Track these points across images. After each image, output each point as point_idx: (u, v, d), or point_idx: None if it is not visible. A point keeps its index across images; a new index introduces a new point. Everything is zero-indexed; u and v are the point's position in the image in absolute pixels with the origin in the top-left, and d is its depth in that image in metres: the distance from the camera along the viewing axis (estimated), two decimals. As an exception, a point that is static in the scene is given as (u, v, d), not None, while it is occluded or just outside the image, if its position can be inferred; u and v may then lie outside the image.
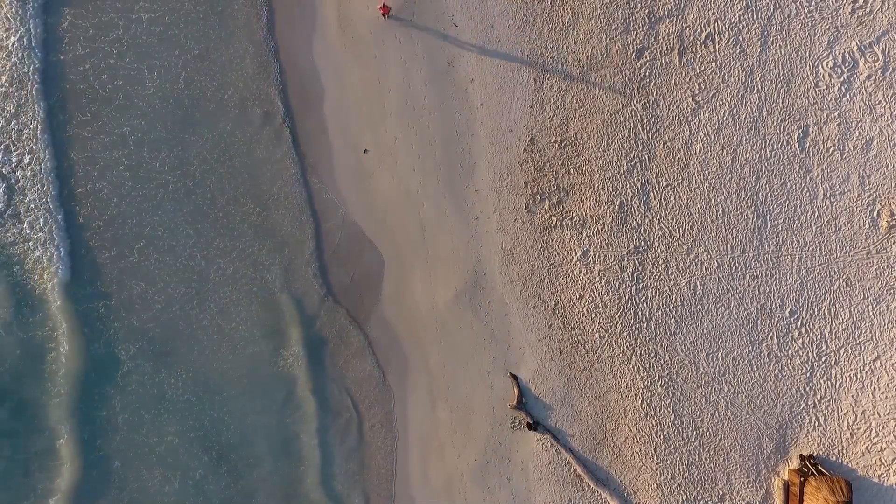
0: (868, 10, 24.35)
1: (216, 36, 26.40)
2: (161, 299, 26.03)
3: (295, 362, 26.52)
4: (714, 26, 24.77)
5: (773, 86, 24.71)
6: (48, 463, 25.67)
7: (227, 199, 26.33)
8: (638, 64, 25.05)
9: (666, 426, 25.11)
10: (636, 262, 25.10)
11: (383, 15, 25.61)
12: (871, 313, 24.54)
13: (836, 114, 24.55)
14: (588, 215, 25.29)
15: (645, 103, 25.03)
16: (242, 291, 26.38)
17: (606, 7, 25.10)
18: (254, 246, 26.39)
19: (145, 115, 26.09)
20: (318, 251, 26.47)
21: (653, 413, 25.15)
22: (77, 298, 25.68)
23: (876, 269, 24.50)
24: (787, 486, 24.28)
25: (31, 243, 25.63)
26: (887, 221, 24.34)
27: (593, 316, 25.33)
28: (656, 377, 25.13)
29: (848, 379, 24.61)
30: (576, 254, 25.37)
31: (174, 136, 26.20)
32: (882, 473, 24.22)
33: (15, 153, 25.68)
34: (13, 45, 25.62)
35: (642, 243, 25.11)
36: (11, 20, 25.65)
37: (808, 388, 24.72)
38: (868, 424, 24.46)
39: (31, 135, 25.65)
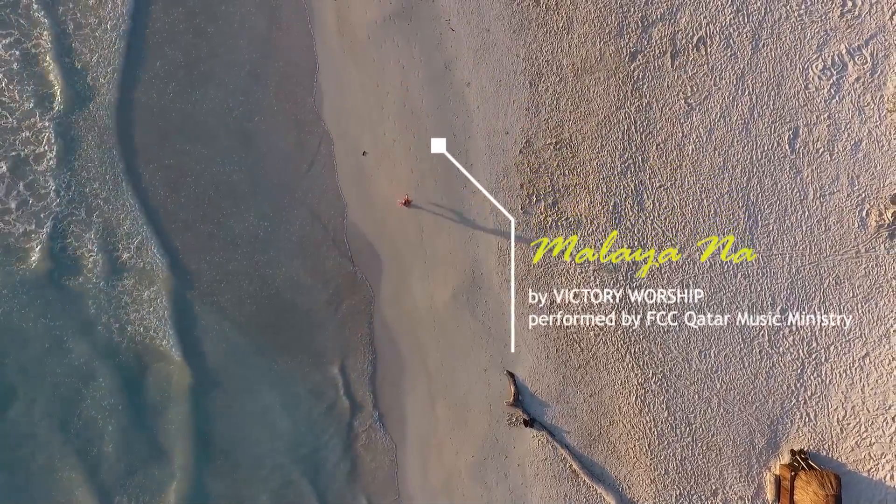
0: (856, 13, 24.79)
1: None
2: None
3: (304, 360, 27.09)
4: (706, 30, 25.20)
5: (764, 88, 25.14)
6: (159, 472, 26.91)
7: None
8: (631, 67, 25.48)
9: (660, 422, 25.58)
10: (630, 261, 25.55)
11: (404, 205, 26.16)
12: (860, 311, 24.99)
13: (825, 115, 24.99)
14: (583, 216, 25.73)
15: (638, 106, 25.47)
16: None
17: (600, 11, 25.53)
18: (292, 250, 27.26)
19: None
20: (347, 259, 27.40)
21: (647, 410, 25.62)
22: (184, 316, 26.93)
23: (864, 268, 24.96)
24: (778, 481, 24.77)
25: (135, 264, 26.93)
26: (876, 221, 24.80)
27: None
28: (650, 374, 25.60)
29: (838, 375, 25.07)
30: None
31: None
32: (871, 468, 24.71)
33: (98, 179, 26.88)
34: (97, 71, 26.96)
35: (636, 243, 25.56)
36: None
37: (798, 385, 25.18)
38: (857, 420, 24.93)
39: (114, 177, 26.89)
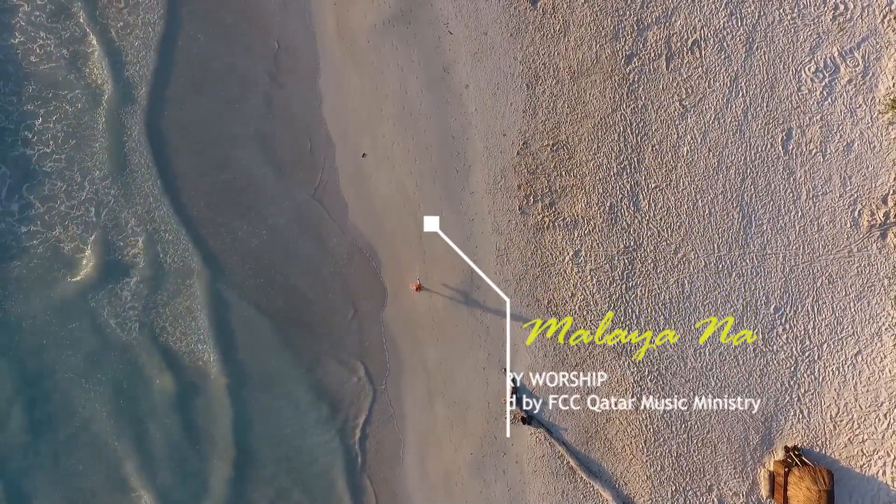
0: (849, 16, 25.17)
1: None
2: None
3: (327, 359, 27.40)
4: (700, 33, 25.59)
5: (758, 90, 25.52)
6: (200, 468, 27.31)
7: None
8: (627, 70, 25.85)
9: (655, 419, 25.94)
10: (626, 261, 25.93)
11: (415, 290, 26.55)
12: (852, 310, 25.37)
13: (818, 117, 25.37)
14: (579, 216, 26.10)
15: (634, 108, 25.85)
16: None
17: (596, 15, 25.91)
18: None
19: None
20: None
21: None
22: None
23: (857, 267, 25.34)
24: (772, 477, 25.13)
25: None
26: (868, 221, 25.18)
27: (585, 313, 26.13)
28: (646, 372, 25.95)
29: (831, 373, 25.45)
30: (568, 254, 26.18)
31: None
32: (863, 464, 25.08)
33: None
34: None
35: (632, 243, 25.94)
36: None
37: (792, 382, 25.55)
38: (850, 417, 25.30)
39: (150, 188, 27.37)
